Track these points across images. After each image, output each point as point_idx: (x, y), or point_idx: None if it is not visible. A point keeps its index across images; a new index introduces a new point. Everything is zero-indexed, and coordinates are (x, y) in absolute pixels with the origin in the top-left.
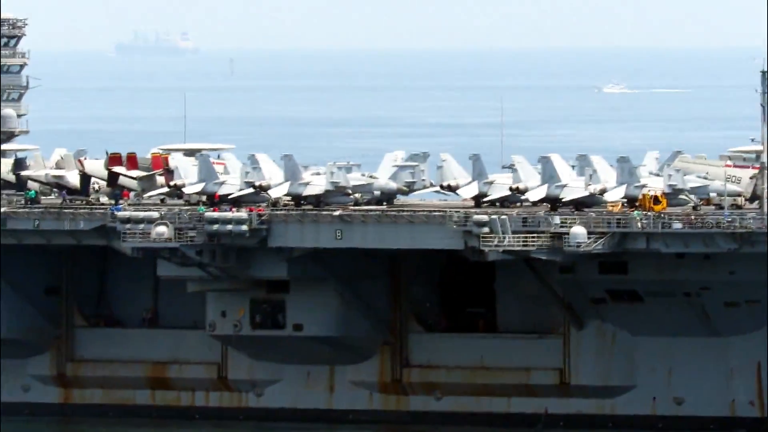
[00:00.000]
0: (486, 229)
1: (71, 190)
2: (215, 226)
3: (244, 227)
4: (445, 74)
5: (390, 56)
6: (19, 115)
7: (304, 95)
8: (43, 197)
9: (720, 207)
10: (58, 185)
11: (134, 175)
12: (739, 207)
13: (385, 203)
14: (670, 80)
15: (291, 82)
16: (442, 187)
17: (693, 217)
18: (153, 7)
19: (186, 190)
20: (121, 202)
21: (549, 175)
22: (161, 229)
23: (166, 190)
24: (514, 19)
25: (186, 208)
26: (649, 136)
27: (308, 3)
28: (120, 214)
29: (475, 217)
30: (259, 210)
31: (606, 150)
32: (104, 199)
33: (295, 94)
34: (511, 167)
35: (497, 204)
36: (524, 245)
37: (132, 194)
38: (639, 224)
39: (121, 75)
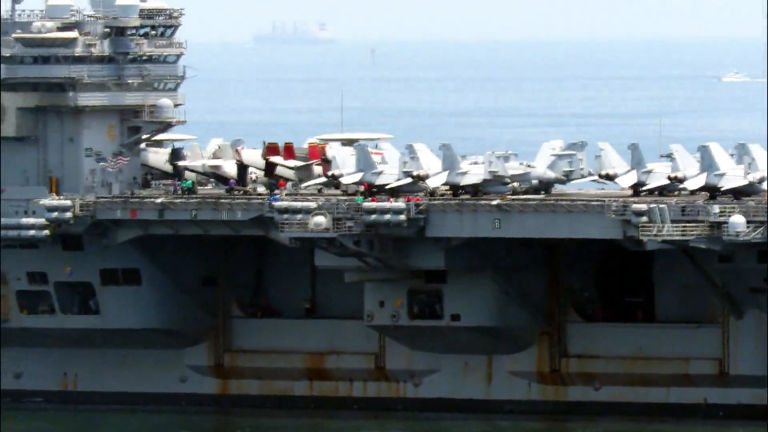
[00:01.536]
0: (645, 219)
1: (237, 181)
2: (373, 216)
3: (402, 217)
4: (598, 64)
5: (542, 46)
6: (175, 105)
7: (452, 85)
8: (199, 187)
9: None
10: (216, 175)
11: (291, 165)
12: None
13: (543, 192)
14: None
15: (435, 72)
16: (600, 176)
17: None
18: None
19: (344, 180)
20: (276, 192)
21: (708, 163)
22: (319, 219)
23: (323, 180)
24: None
25: (344, 198)
26: None
27: None
28: (277, 204)
29: (634, 206)
30: (417, 200)
31: (737, 139)
32: (261, 189)
33: (442, 84)
34: (669, 156)
35: (656, 193)
36: (683, 234)
37: (289, 184)
38: None
39: (262, 66)
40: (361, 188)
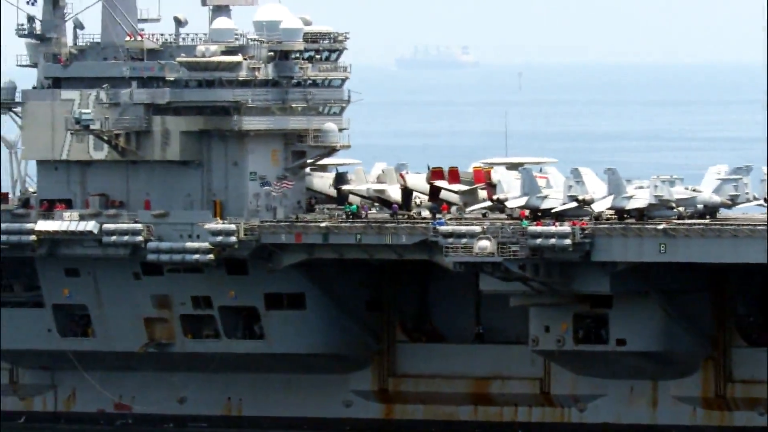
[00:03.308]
0: None
1: (401, 205)
2: (538, 240)
3: (568, 241)
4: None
5: (702, 69)
6: (340, 130)
7: (607, 109)
8: (364, 212)
9: None
10: (380, 199)
11: (456, 189)
12: None
13: (708, 217)
14: None
15: (584, 96)
16: (766, 200)
17: None
18: (433, 22)
19: (509, 204)
20: (439, 216)
21: None
22: (484, 243)
23: (488, 204)
24: None
25: (509, 222)
26: None
27: (601, 16)
28: (442, 228)
29: None
30: (583, 224)
31: None
32: (425, 213)
33: (595, 108)
34: None
35: None
36: None
37: (453, 208)
38: None
39: (409, 89)
40: (527, 212)
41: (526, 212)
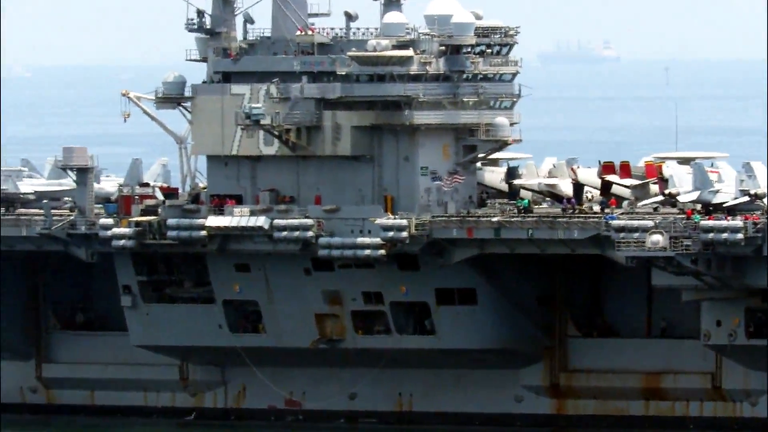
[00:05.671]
0: None
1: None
2: (710, 235)
3: (740, 236)
4: None
5: None
6: (511, 124)
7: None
8: (535, 206)
9: None
10: (551, 194)
11: (628, 184)
12: None
13: None
14: None
15: (736, 91)
16: None
17: None
18: (575, 16)
19: (681, 199)
20: (607, 210)
21: None
22: (656, 237)
23: (660, 198)
24: None
25: (680, 216)
26: None
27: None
28: (614, 222)
29: None
30: (755, 218)
31: None
32: (597, 208)
33: (749, 102)
34: None
35: None
36: None
37: (624, 203)
38: None
39: (551, 84)
40: (699, 206)
41: (694, 209)
